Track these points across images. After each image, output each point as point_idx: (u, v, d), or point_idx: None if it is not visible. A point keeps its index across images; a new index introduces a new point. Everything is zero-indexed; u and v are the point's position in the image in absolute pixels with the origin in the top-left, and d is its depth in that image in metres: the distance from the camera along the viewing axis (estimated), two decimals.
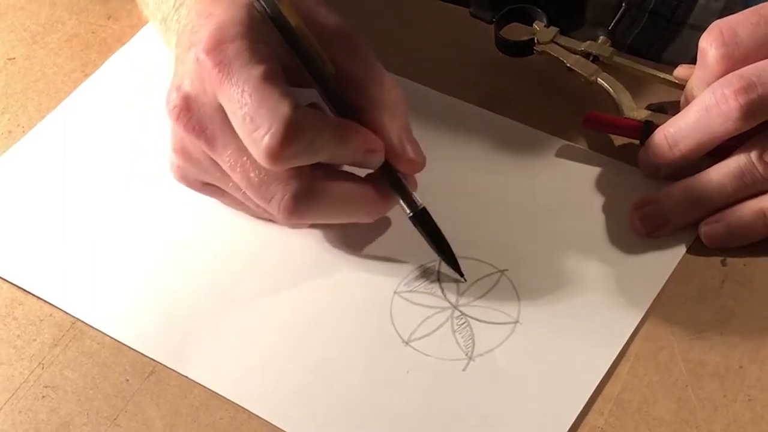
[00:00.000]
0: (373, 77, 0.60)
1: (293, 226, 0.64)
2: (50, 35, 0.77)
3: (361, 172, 0.61)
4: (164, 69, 0.72)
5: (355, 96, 0.60)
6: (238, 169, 0.58)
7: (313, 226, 0.64)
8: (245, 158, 0.58)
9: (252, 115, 0.55)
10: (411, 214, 0.61)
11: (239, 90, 0.56)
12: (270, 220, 0.64)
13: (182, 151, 0.61)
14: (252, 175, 0.58)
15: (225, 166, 0.59)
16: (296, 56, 0.59)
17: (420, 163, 0.61)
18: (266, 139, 0.55)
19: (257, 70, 0.56)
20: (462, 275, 0.62)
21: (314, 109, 0.58)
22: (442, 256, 0.62)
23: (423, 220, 0.61)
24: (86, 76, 0.74)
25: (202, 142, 0.58)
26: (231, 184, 0.60)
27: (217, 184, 0.62)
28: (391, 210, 0.62)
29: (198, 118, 0.58)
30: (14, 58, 0.76)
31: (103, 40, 0.76)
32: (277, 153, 0.55)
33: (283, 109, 0.55)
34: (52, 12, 0.79)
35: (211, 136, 0.58)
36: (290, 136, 0.55)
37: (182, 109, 0.58)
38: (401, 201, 0.61)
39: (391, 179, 0.61)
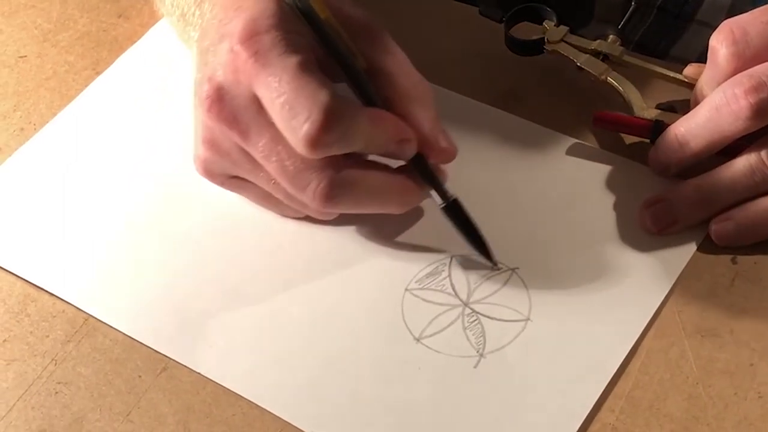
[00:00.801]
0: (401, 70, 0.60)
1: (322, 216, 0.64)
2: (61, 33, 0.77)
3: (392, 164, 0.62)
4: (176, 67, 0.73)
5: (384, 88, 0.60)
6: (273, 158, 0.58)
7: (331, 222, 0.65)
8: (280, 147, 0.58)
9: (291, 104, 0.56)
10: (443, 204, 0.61)
11: (277, 79, 0.56)
12: (291, 217, 0.65)
13: (211, 143, 0.61)
14: (287, 163, 0.58)
15: (258, 156, 0.59)
16: (327, 49, 0.59)
17: (452, 152, 0.61)
18: (306, 126, 0.55)
19: (294, 59, 0.56)
20: (496, 264, 0.62)
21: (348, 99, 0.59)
22: (476, 247, 0.62)
23: (455, 211, 0.61)
24: (97, 74, 0.75)
25: (235, 133, 0.59)
26: (261, 174, 0.61)
27: (246, 176, 0.62)
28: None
29: (231, 109, 0.58)
30: (26, 56, 0.76)
31: (114, 38, 0.77)
32: (316, 140, 0.56)
33: (322, 97, 0.56)
34: (63, 10, 0.79)
35: (245, 126, 0.58)
36: (329, 124, 0.55)
37: (215, 100, 0.58)
38: (433, 191, 0.61)
39: (423, 170, 0.61)
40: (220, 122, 0.59)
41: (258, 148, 0.58)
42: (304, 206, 0.61)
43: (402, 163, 0.61)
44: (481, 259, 0.62)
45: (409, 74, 0.60)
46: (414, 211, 0.64)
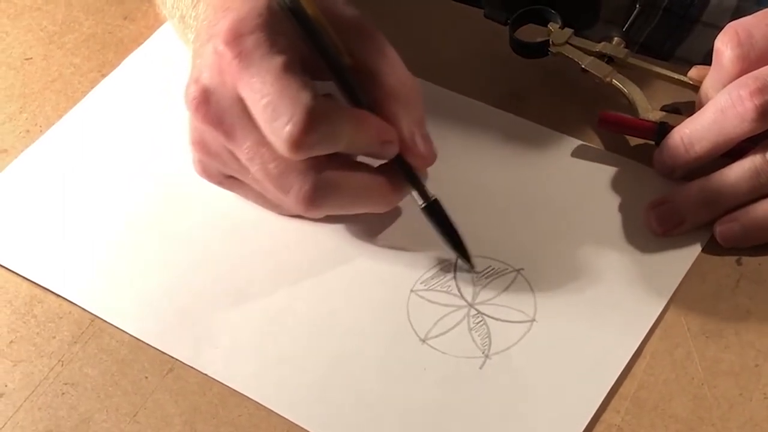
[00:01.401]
0: (389, 69, 0.60)
1: (310, 216, 0.64)
2: (67, 35, 0.78)
3: (374, 163, 0.62)
4: (181, 69, 0.72)
5: (370, 87, 0.60)
6: (257, 161, 0.58)
7: (327, 219, 0.65)
8: (264, 149, 0.58)
9: (273, 105, 0.56)
10: (423, 204, 0.61)
11: (260, 80, 0.56)
12: (290, 215, 0.65)
13: (201, 144, 0.61)
14: (270, 166, 0.58)
15: (243, 158, 0.59)
16: (313, 46, 0.59)
17: (429, 159, 0.61)
18: (287, 128, 0.55)
19: (277, 61, 0.56)
20: (473, 266, 0.62)
21: (331, 99, 0.59)
22: (453, 248, 0.62)
23: (435, 212, 0.62)
24: (103, 76, 0.75)
25: (220, 134, 0.59)
26: (249, 175, 0.61)
27: (237, 176, 0.62)
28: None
29: (216, 110, 0.58)
30: (31, 58, 0.76)
31: (119, 40, 0.77)
32: (298, 142, 0.56)
33: (304, 98, 0.56)
34: (68, 12, 0.79)
35: (230, 127, 0.58)
36: (311, 125, 0.55)
37: (201, 101, 0.58)
38: (413, 192, 0.61)
39: (404, 170, 0.61)
40: (206, 124, 0.59)
41: (243, 150, 0.59)
42: (290, 207, 0.61)
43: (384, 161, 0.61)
44: (463, 262, 0.62)
45: (399, 75, 0.60)
46: (420, 212, 0.64)
